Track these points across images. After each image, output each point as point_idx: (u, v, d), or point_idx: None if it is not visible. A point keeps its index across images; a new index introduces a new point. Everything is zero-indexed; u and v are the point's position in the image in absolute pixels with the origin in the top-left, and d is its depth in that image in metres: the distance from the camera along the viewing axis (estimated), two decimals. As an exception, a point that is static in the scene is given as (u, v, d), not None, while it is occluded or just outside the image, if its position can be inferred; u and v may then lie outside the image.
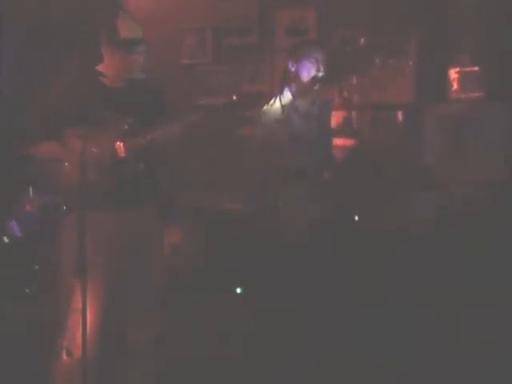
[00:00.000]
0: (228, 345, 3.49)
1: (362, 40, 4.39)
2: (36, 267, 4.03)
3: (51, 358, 2.84)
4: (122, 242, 2.80)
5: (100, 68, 2.84)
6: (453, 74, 4.15)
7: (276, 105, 3.59)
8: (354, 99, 4.26)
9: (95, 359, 2.68)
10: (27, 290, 3.99)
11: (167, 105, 2.97)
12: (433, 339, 3.39)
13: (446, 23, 4.18)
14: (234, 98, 2.82)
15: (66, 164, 2.68)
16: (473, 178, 3.93)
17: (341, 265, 3.42)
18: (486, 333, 3.35)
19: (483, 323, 3.37)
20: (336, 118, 4.01)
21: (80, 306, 2.62)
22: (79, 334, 2.60)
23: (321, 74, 3.54)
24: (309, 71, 3.55)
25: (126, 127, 2.74)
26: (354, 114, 4.25)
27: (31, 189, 4.10)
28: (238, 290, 3.91)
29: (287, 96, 3.62)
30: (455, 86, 4.13)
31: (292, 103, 3.59)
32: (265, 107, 3.65)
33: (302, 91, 3.59)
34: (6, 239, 3.94)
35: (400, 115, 4.33)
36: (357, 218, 3.65)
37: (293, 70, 3.59)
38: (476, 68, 4.10)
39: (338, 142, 3.90)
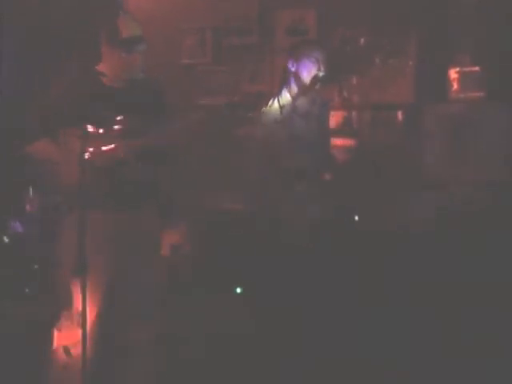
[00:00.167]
0: (228, 345, 3.49)
1: (362, 40, 4.39)
2: (36, 267, 4.03)
3: (48, 357, 2.83)
4: (121, 242, 2.80)
5: (100, 68, 2.84)
6: (453, 73, 4.15)
7: (275, 105, 3.59)
8: (353, 99, 4.26)
9: (94, 359, 2.68)
10: (27, 290, 3.99)
11: (167, 105, 2.97)
12: (433, 339, 3.39)
13: (446, 23, 4.18)
14: (235, 98, 2.82)
15: (65, 164, 2.67)
16: (473, 178, 3.93)
17: (341, 265, 3.42)
18: (486, 333, 3.34)
19: (483, 323, 3.37)
20: (336, 118, 4.01)
21: (79, 307, 2.62)
22: (77, 333, 2.61)
23: (321, 74, 3.54)
24: (309, 71, 3.55)
25: (125, 127, 2.74)
26: (354, 113, 4.25)
27: (31, 189, 4.10)
28: (238, 290, 3.91)
29: (286, 96, 3.62)
30: (455, 86, 4.13)
31: (291, 103, 3.59)
32: (264, 107, 3.65)
33: (302, 91, 3.59)
34: (6, 239, 3.94)
35: (400, 115, 4.33)
36: (357, 217, 3.65)
37: (293, 69, 3.59)
38: (476, 68, 4.09)
39: (337, 142, 3.90)
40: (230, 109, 2.85)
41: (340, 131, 4.06)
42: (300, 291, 3.35)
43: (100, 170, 2.67)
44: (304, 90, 3.58)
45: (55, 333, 2.84)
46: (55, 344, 2.82)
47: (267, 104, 3.64)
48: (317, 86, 3.57)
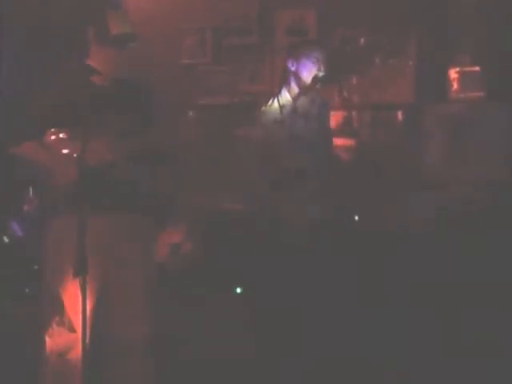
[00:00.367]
0: (228, 345, 3.49)
1: (362, 40, 4.39)
2: (36, 267, 4.03)
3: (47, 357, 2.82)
4: (110, 244, 2.75)
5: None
6: (453, 73, 4.15)
7: (275, 104, 3.59)
8: (353, 99, 4.26)
9: (90, 361, 2.67)
10: (27, 290, 3.98)
11: (155, 105, 2.89)
12: (433, 339, 3.39)
13: (446, 23, 4.18)
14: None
15: (54, 165, 2.62)
16: (473, 178, 3.93)
17: (341, 265, 3.42)
18: (486, 333, 3.34)
19: (483, 323, 3.36)
20: (336, 118, 4.02)
21: (70, 311, 2.62)
22: (69, 337, 2.60)
23: (321, 74, 3.54)
24: (309, 71, 3.55)
25: (114, 128, 2.67)
26: (354, 113, 4.25)
27: (31, 189, 4.10)
28: (238, 290, 3.91)
29: (286, 96, 3.62)
30: (455, 85, 4.13)
31: (291, 103, 3.59)
32: (264, 107, 3.65)
33: (302, 91, 3.59)
34: (6, 239, 3.93)
35: (400, 115, 4.33)
36: (357, 217, 3.65)
37: (293, 69, 3.59)
38: (476, 68, 4.10)
39: (338, 141, 3.90)
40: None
41: (340, 131, 4.07)
42: (300, 291, 3.35)
43: (89, 171, 2.60)
44: (304, 89, 3.58)
45: (47, 338, 2.80)
46: (48, 349, 2.79)
47: (267, 104, 3.64)
48: (317, 86, 3.57)
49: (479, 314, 3.39)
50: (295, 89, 3.60)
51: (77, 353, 2.66)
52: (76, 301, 2.64)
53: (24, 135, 2.69)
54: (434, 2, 4.19)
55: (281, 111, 3.56)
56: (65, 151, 2.51)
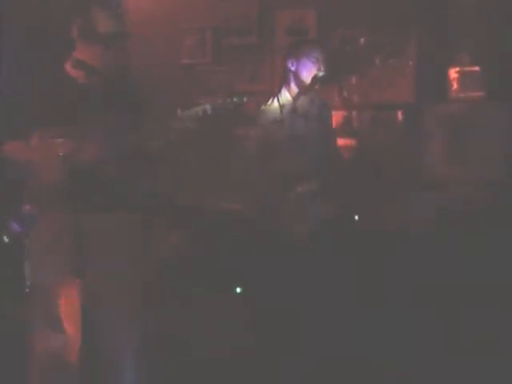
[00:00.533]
0: (228, 345, 3.49)
1: (362, 40, 4.39)
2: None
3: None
4: (96, 242, 2.72)
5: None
6: (453, 73, 4.15)
7: (275, 104, 3.59)
8: (353, 99, 4.26)
9: (81, 361, 2.67)
10: (27, 290, 3.98)
11: (144, 103, 2.83)
12: (433, 339, 3.38)
13: (446, 23, 4.18)
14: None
15: (41, 165, 2.57)
16: (473, 178, 3.93)
17: (341, 265, 3.42)
18: (486, 333, 3.34)
19: (483, 323, 3.36)
20: (336, 118, 4.01)
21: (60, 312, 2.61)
22: (60, 338, 2.60)
23: (321, 74, 3.54)
24: (309, 70, 3.55)
25: (102, 127, 2.61)
26: (354, 113, 4.25)
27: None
28: (238, 290, 3.91)
29: (286, 95, 3.62)
30: (455, 85, 4.13)
31: (291, 103, 3.59)
32: (263, 107, 3.65)
33: (301, 91, 3.59)
34: (6, 239, 3.92)
35: (400, 115, 4.33)
36: (357, 217, 3.65)
37: (292, 69, 3.59)
38: (476, 68, 4.09)
39: (338, 141, 3.91)
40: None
41: (340, 131, 4.06)
42: (300, 291, 3.35)
43: (76, 170, 2.56)
44: (304, 89, 3.59)
45: (37, 340, 2.80)
46: (38, 351, 2.78)
47: (267, 103, 3.64)
48: (316, 86, 3.57)
49: (479, 313, 3.39)
50: (295, 89, 3.60)
51: (67, 353, 2.67)
52: (68, 301, 2.65)
53: (11, 134, 2.65)
54: (433, 2, 4.19)
55: (281, 111, 3.56)
56: (52, 150, 2.49)
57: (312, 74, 3.54)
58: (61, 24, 2.79)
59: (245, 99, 2.61)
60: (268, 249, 3.44)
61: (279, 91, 3.65)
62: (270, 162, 3.50)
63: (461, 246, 3.59)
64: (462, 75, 4.12)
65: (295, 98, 3.61)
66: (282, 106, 3.58)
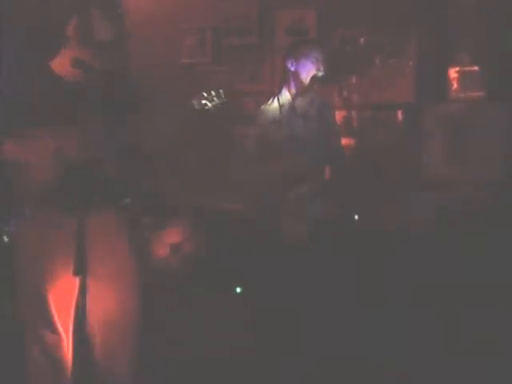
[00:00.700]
0: (228, 345, 3.49)
1: (362, 40, 4.39)
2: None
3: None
4: (98, 241, 2.71)
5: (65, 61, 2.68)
6: (453, 73, 4.15)
7: (274, 104, 3.59)
8: (353, 99, 4.27)
9: (81, 361, 2.66)
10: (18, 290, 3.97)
11: (143, 102, 2.79)
12: (433, 339, 3.39)
13: (446, 23, 4.18)
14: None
15: (35, 165, 2.54)
16: (473, 178, 3.93)
17: (341, 265, 3.42)
18: (486, 333, 3.34)
19: (483, 323, 3.36)
20: (336, 118, 4.02)
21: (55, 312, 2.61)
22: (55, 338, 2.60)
23: (320, 74, 3.54)
24: (309, 71, 3.55)
25: (98, 127, 2.58)
26: (354, 113, 4.25)
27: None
28: (238, 290, 3.91)
29: (286, 95, 3.62)
30: (455, 85, 4.13)
31: (290, 103, 3.59)
32: (263, 107, 3.65)
33: (301, 91, 3.59)
34: (5, 239, 3.92)
35: (400, 115, 4.33)
36: (357, 217, 3.65)
37: (292, 69, 3.59)
38: (476, 68, 4.10)
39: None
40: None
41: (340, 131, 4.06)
42: (300, 291, 3.35)
43: (75, 169, 2.52)
44: (303, 89, 3.58)
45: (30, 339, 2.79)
46: (32, 350, 2.78)
47: (267, 103, 3.64)
48: (316, 86, 3.57)
49: (479, 313, 3.39)
50: (295, 89, 3.60)
51: (61, 353, 2.67)
52: (63, 300, 2.64)
53: (11, 134, 2.63)
54: (433, 2, 4.19)
55: (280, 111, 3.56)
56: (51, 150, 2.49)
57: (311, 75, 3.54)
58: (60, 24, 2.77)
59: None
60: (268, 249, 3.44)
61: (279, 91, 3.65)
62: (270, 162, 3.50)
63: (461, 246, 3.59)
64: (462, 75, 4.12)
65: (295, 98, 3.60)
66: (281, 106, 3.57)
